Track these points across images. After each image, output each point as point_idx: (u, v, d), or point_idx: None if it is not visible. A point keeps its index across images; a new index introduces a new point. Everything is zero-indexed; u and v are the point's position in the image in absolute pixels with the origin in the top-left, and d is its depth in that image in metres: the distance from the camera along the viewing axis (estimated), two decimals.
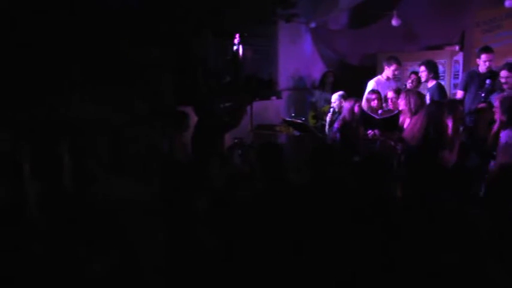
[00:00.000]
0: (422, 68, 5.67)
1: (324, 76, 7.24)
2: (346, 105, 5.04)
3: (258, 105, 6.37)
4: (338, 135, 4.96)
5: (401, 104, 4.70)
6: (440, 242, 2.29)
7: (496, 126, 4.12)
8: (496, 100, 4.26)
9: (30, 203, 3.49)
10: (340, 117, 5.07)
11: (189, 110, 4.80)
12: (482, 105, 4.98)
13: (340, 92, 5.72)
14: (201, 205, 2.88)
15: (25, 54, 3.89)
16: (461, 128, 4.78)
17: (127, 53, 4.71)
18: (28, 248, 2.75)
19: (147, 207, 2.85)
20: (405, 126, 4.64)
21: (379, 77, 6.10)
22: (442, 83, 6.45)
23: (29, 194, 3.51)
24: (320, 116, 6.44)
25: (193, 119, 4.79)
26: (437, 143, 4.10)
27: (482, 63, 5.41)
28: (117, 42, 4.61)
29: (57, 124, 3.84)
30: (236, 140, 5.14)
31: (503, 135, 3.96)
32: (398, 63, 5.97)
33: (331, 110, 5.64)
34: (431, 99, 5.40)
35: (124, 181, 3.64)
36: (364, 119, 4.88)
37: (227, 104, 5.14)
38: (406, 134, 4.41)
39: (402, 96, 4.75)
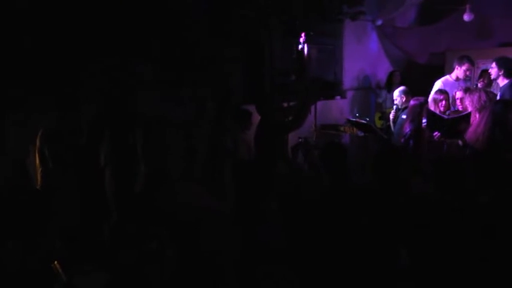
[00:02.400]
0: (493, 64, 5.41)
1: (391, 76, 7.10)
2: (413, 104, 4.88)
3: (322, 104, 6.39)
4: (411, 141, 4.78)
5: (468, 104, 4.52)
6: None
7: None
8: None
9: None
10: (409, 120, 4.89)
11: (252, 108, 4.88)
12: None
13: (402, 88, 5.59)
14: (272, 207, 2.96)
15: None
16: None
17: (199, 52, 4.89)
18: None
19: (218, 211, 2.95)
20: None
21: (447, 76, 5.87)
22: None
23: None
24: (387, 117, 6.34)
25: (256, 117, 4.87)
26: (505, 145, 3.91)
27: None
28: (189, 41, 4.80)
29: (133, 121, 4.03)
30: (300, 139, 5.17)
31: None
32: (471, 63, 5.69)
33: (395, 107, 5.55)
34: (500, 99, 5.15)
35: (194, 184, 3.78)
36: (431, 120, 4.71)
37: (291, 103, 5.20)
38: (468, 136, 4.19)
39: (467, 96, 4.57)
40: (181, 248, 2.74)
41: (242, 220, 2.90)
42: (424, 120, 4.76)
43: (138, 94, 4.28)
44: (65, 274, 2.61)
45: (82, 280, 2.71)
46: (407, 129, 4.83)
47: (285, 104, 5.22)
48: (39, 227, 3.08)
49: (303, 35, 5.85)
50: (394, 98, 5.59)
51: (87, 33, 4.01)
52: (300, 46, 5.90)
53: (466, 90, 4.83)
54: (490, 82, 5.72)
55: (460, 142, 4.52)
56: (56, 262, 2.62)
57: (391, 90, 6.75)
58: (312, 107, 5.57)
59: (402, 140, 4.87)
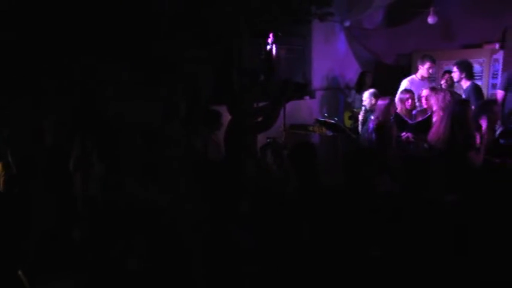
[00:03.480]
0: (455, 68, 5.56)
1: (362, 76, 7.16)
2: (380, 104, 4.97)
3: (291, 104, 6.38)
4: (374, 135, 4.89)
5: (433, 103, 4.63)
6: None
7: None
8: None
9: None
10: (374, 116, 5.01)
11: (222, 109, 4.85)
12: None
13: (371, 90, 5.68)
14: (243, 207, 2.93)
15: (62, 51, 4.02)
16: (499, 129, 4.68)
17: (167, 52, 4.81)
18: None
19: (185, 211, 2.91)
20: None
21: (413, 76, 6.00)
22: (480, 83, 6.31)
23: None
24: (356, 117, 6.40)
25: (225, 118, 4.83)
26: (464, 144, 4.01)
27: None
28: (158, 41, 4.71)
29: (91, 123, 3.93)
30: (269, 140, 5.16)
31: None
32: (433, 61, 5.84)
33: (363, 108, 5.63)
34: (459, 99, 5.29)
35: (159, 184, 3.71)
36: (398, 122, 4.81)
37: (261, 104, 5.18)
38: (431, 137, 4.29)
39: (432, 95, 4.68)
40: (151, 252, 2.69)
41: (213, 221, 2.86)
42: (391, 119, 4.85)
43: (105, 95, 4.18)
44: (29, 283, 2.52)
45: None
46: (370, 125, 4.94)
47: (255, 105, 5.20)
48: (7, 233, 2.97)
49: (271, 35, 5.84)
50: (363, 99, 5.66)
51: (49, 33, 3.88)
52: (269, 47, 5.89)
53: (432, 89, 4.95)
54: (453, 83, 5.86)
55: (425, 145, 4.64)
56: (21, 271, 2.53)
57: (360, 91, 6.81)
58: (281, 108, 5.57)
59: (366, 135, 4.97)
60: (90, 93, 4.07)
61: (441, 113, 4.56)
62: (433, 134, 4.26)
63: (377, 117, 4.92)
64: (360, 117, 5.73)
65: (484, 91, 6.39)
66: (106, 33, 4.27)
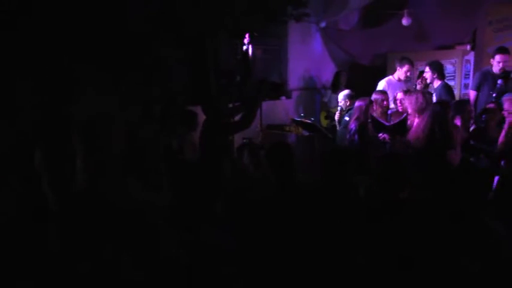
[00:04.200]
0: (426, 69, 5.65)
1: (337, 76, 7.20)
2: (360, 104, 4.99)
3: (267, 105, 6.38)
4: (356, 136, 4.90)
5: (407, 105, 4.69)
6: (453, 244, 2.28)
7: (505, 127, 4.09)
8: (506, 101, 4.23)
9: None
10: (354, 117, 5.01)
11: (197, 109, 4.80)
12: (491, 105, 4.95)
13: (347, 91, 5.74)
14: (218, 208, 2.90)
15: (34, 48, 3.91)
16: (471, 128, 4.76)
17: (143, 52, 4.74)
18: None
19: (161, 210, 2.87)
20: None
21: (390, 77, 6.06)
22: (452, 83, 6.42)
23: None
24: (332, 116, 6.44)
25: (202, 118, 4.78)
26: (443, 143, 4.07)
27: (496, 64, 5.37)
28: (134, 40, 4.64)
29: (70, 123, 3.84)
30: (245, 140, 5.13)
31: None
32: (411, 64, 5.91)
33: (339, 108, 5.67)
34: (438, 100, 5.38)
35: (139, 182, 3.65)
36: (374, 124, 4.86)
37: (236, 104, 5.15)
38: (410, 136, 4.35)
39: (407, 97, 4.74)
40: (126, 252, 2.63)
41: (190, 222, 2.83)
42: (369, 120, 4.89)
43: (78, 96, 4.08)
44: None
45: None
46: (352, 126, 4.94)
47: (230, 105, 5.17)
48: None
49: (247, 35, 5.82)
50: (339, 100, 5.71)
51: (16, 29, 3.76)
52: (245, 47, 5.87)
53: (406, 92, 5.01)
54: (427, 83, 5.95)
55: (402, 145, 4.69)
56: None
57: (336, 91, 6.83)
58: (258, 108, 5.55)
59: (348, 136, 4.98)
60: (65, 94, 3.98)
61: (415, 115, 4.63)
62: (413, 133, 4.31)
63: (357, 118, 4.93)
64: (336, 116, 5.77)
65: (457, 91, 6.51)
66: (82, 34, 4.18)
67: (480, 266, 2.06)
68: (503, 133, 4.11)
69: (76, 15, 4.15)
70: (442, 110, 4.15)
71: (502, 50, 5.43)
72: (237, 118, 4.77)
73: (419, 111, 4.55)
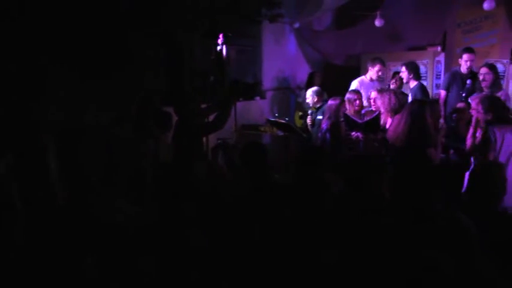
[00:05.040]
0: (403, 68, 5.74)
1: (311, 76, 7.23)
2: (332, 104, 5.04)
3: (241, 105, 6.36)
4: (328, 135, 4.94)
5: (380, 105, 4.75)
6: (428, 241, 2.29)
7: (473, 125, 4.18)
8: (473, 100, 4.32)
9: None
10: (326, 116, 5.07)
11: (170, 110, 4.74)
12: (460, 105, 5.06)
13: (314, 88, 5.79)
14: (191, 209, 2.86)
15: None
16: (442, 127, 4.84)
17: (117, 53, 4.66)
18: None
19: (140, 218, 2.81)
20: (387, 126, 4.67)
21: (362, 77, 6.13)
22: (425, 83, 6.53)
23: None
24: (307, 116, 6.47)
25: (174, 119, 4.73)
26: (422, 142, 4.12)
27: (464, 63, 5.52)
28: (107, 41, 4.56)
29: (43, 129, 3.74)
30: (219, 141, 5.10)
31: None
32: (383, 64, 6.00)
33: (310, 111, 5.79)
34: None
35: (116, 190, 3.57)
36: (347, 122, 4.90)
37: (210, 105, 5.12)
38: (389, 135, 4.39)
39: (379, 97, 4.80)
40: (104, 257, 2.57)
41: (165, 223, 2.78)
42: (341, 119, 4.94)
43: (50, 98, 3.99)
44: None
45: None
46: (324, 125, 4.97)
47: (204, 105, 5.13)
48: None
49: (221, 36, 5.80)
50: (307, 97, 5.74)
51: None
52: (219, 47, 5.84)
53: (379, 92, 5.07)
54: (402, 83, 6.03)
55: (375, 144, 4.75)
56: None
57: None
58: (232, 108, 5.53)
59: (319, 134, 5.02)
60: (35, 95, 3.88)
61: (388, 114, 4.69)
62: (392, 132, 4.35)
63: (329, 117, 4.98)
64: (308, 121, 5.81)
65: (429, 91, 6.62)
66: (53, 33, 4.08)
67: (452, 262, 2.07)
68: (470, 130, 4.19)
69: (47, 14, 4.05)
70: (420, 108, 4.21)
71: (468, 50, 5.63)
72: (211, 119, 4.74)
73: (392, 111, 4.63)
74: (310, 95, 5.72)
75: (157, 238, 2.63)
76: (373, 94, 5.26)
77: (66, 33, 4.24)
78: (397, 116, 4.40)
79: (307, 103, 5.76)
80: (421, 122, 4.12)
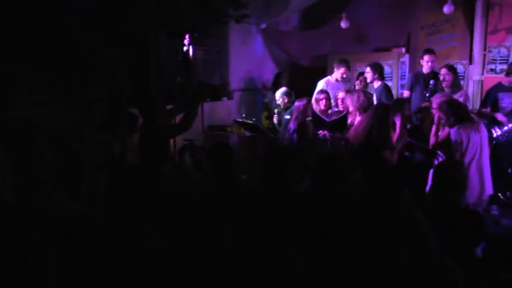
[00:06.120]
0: (368, 69, 5.83)
1: (278, 77, 7.24)
2: (298, 105, 5.06)
3: (209, 106, 6.32)
4: (295, 136, 4.96)
5: (348, 104, 4.80)
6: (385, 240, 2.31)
7: (435, 124, 4.27)
8: (434, 100, 4.44)
9: None
10: (293, 117, 5.09)
11: (136, 111, 4.66)
12: (425, 104, 5.17)
13: (284, 89, 5.80)
14: (161, 211, 2.80)
15: None
16: (408, 126, 4.93)
17: (83, 53, 4.54)
18: None
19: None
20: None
21: (328, 77, 6.18)
22: (390, 83, 6.65)
23: None
24: (273, 117, 6.48)
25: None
26: (381, 144, 4.19)
27: (426, 64, 5.66)
28: (72, 41, 4.43)
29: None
30: (186, 142, 5.05)
31: (452, 133, 4.09)
32: (348, 67, 6.06)
33: (276, 111, 5.79)
34: (379, 100, 5.55)
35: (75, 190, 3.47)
36: (315, 120, 4.93)
37: (177, 105, 5.05)
38: (350, 134, 4.46)
39: (348, 96, 4.85)
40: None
41: (132, 226, 2.71)
42: (308, 119, 4.96)
43: (11, 99, 3.83)
44: None
45: None
46: (291, 126, 4.99)
47: (170, 106, 5.06)
48: None
49: (187, 36, 5.73)
50: (276, 98, 5.76)
51: None
52: (185, 48, 5.78)
53: (348, 91, 5.13)
54: (366, 84, 6.12)
55: (342, 142, 4.79)
56: None
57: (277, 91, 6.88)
58: (199, 109, 5.48)
59: (287, 135, 5.03)
60: None
61: (357, 113, 4.73)
62: (353, 131, 4.42)
63: (296, 118, 5.00)
64: (275, 120, 5.82)
65: (394, 91, 6.75)
66: (14, 31, 3.94)
67: (411, 260, 2.10)
68: (433, 129, 4.28)
69: (7, 11, 3.91)
70: (383, 112, 4.29)
71: (428, 51, 5.78)
72: (177, 120, 4.68)
73: (361, 109, 4.67)
74: (279, 97, 5.72)
75: (111, 238, 2.57)
76: (341, 94, 5.32)
77: (28, 32, 4.11)
78: (362, 116, 4.46)
79: (279, 104, 5.74)
80: (382, 125, 4.20)
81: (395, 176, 3.05)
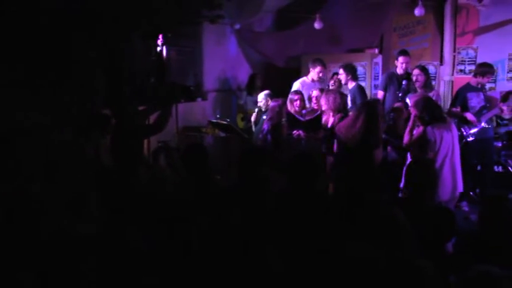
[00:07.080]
0: (341, 71, 5.90)
1: (252, 78, 7.22)
2: (273, 105, 5.08)
3: (183, 107, 6.26)
4: (269, 136, 4.97)
5: (323, 103, 4.83)
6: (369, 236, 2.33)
7: (410, 124, 4.33)
8: (410, 99, 4.51)
9: None
10: (268, 118, 5.09)
11: (108, 111, 4.59)
12: (398, 104, 5.25)
13: (267, 91, 5.81)
14: (137, 213, 2.77)
15: None
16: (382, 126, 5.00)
17: (57, 54, 4.44)
18: None
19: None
20: (329, 125, 4.74)
21: (304, 78, 6.22)
22: (363, 84, 6.72)
23: None
24: (249, 118, 6.46)
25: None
26: (372, 142, 4.27)
27: (400, 65, 5.76)
28: (47, 41, 4.34)
29: None
30: (161, 143, 5.00)
31: (426, 132, 4.15)
32: (323, 66, 6.12)
33: (257, 109, 5.74)
34: (353, 100, 5.61)
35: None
36: (290, 120, 4.96)
37: (150, 106, 4.99)
38: (343, 135, 4.43)
39: (323, 96, 4.88)
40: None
41: (109, 229, 2.67)
42: (284, 119, 4.98)
43: None
44: None
45: None
46: (265, 126, 5.00)
47: (143, 107, 5.00)
48: None
49: (160, 36, 5.68)
50: (259, 100, 5.76)
51: None
52: (159, 48, 5.72)
53: (323, 91, 5.17)
54: (340, 84, 6.18)
55: (317, 142, 4.83)
56: None
57: (251, 93, 6.85)
58: (173, 110, 5.43)
59: (260, 135, 5.04)
60: None
61: (330, 113, 4.76)
62: (346, 132, 4.39)
63: (271, 118, 5.01)
64: (253, 118, 5.81)
65: (368, 91, 6.82)
66: None
67: (384, 255, 2.12)
68: (408, 127, 4.35)
69: None
70: (374, 110, 4.33)
71: (403, 53, 5.93)
72: (151, 121, 4.63)
73: (336, 110, 4.71)
74: (263, 98, 5.72)
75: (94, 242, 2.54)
76: (315, 93, 5.35)
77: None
78: (350, 117, 4.46)
79: (259, 106, 5.74)
80: (374, 124, 4.26)
81: (381, 173, 3.10)
